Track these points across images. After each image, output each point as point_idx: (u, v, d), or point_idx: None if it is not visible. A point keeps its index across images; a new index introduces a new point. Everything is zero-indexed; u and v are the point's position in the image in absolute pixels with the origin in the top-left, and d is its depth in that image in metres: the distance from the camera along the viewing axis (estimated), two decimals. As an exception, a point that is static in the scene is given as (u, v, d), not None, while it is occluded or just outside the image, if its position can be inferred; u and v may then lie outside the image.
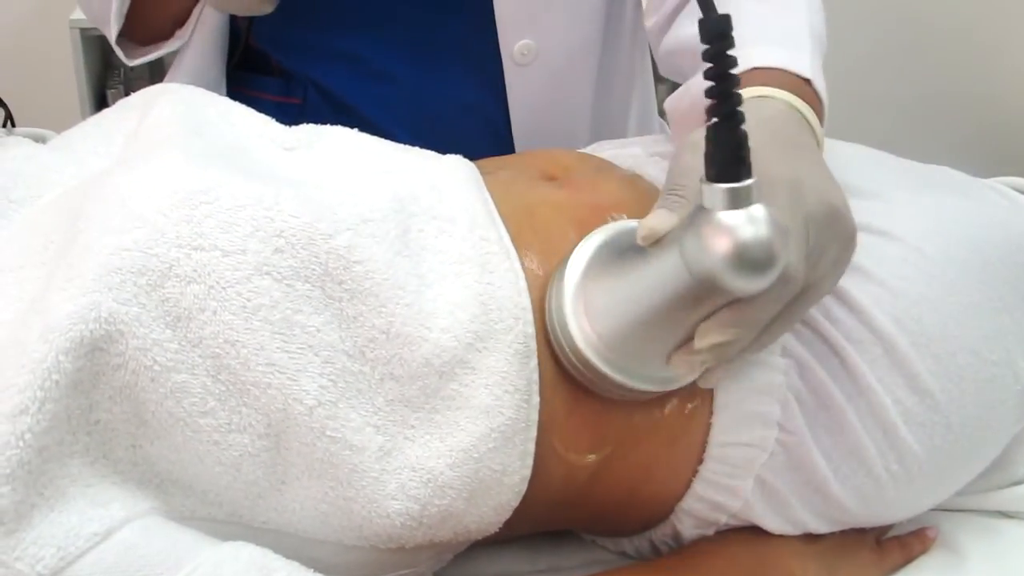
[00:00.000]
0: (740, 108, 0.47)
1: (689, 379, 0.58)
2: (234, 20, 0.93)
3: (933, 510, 0.71)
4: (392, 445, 0.56)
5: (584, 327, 0.58)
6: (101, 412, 0.52)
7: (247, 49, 0.94)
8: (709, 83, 0.47)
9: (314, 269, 0.56)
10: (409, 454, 0.57)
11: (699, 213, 0.49)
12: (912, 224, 0.68)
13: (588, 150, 0.80)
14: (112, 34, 0.87)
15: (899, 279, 0.65)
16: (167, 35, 0.90)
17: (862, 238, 0.66)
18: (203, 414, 0.53)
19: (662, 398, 0.63)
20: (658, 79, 1.07)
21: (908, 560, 0.71)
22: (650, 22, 0.83)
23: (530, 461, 0.59)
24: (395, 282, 0.58)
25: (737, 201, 0.48)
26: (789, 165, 0.56)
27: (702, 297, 0.51)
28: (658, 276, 0.53)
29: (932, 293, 0.65)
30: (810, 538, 0.67)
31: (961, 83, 1.75)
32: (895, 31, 1.77)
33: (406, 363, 0.57)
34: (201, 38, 0.90)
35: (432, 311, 0.58)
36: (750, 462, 0.63)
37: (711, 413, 0.63)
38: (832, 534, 0.68)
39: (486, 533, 0.61)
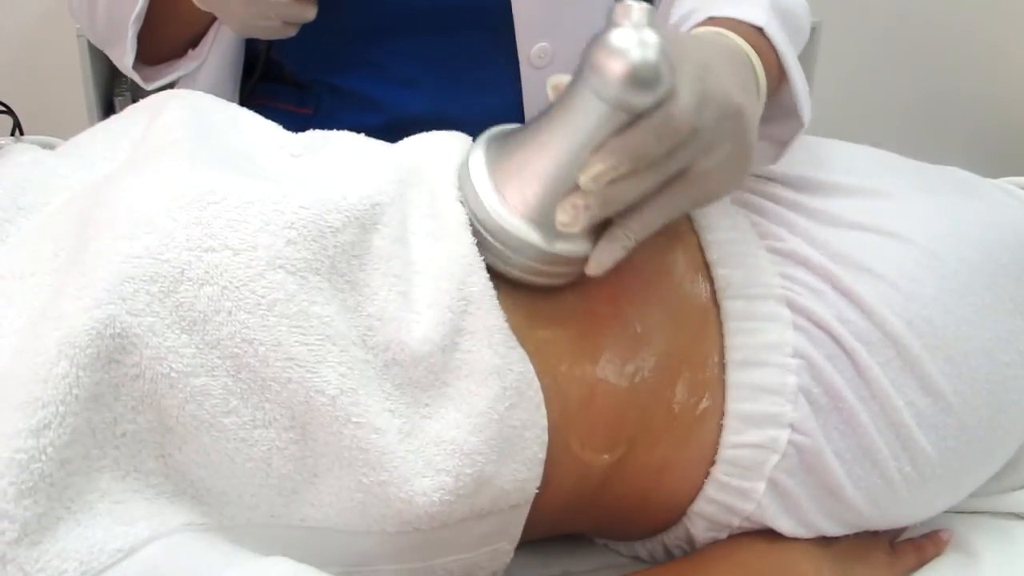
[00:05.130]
0: None
1: (579, 238, 0.59)
2: (252, 40, 0.93)
3: (947, 512, 0.71)
4: (411, 427, 0.57)
5: (498, 202, 0.60)
6: (126, 424, 0.52)
7: (266, 63, 0.94)
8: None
9: (323, 262, 0.57)
10: (429, 431, 0.57)
11: (594, 41, 0.56)
12: (923, 226, 0.68)
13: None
14: (129, 59, 0.87)
15: (911, 281, 0.65)
16: (179, 55, 0.90)
17: (873, 239, 0.66)
18: (226, 414, 0.53)
19: (671, 390, 0.63)
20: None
21: (922, 563, 0.71)
22: None
23: (544, 412, 0.59)
24: (388, 270, 0.59)
25: (635, 20, 0.55)
26: (710, 58, 0.60)
27: (597, 123, 0.56)
28: (561, 117, 0.58)
29: (944, 295, 0.65)
30: (823, 541, 0.67)
31: (967, 83, 1.75)
32: (900, 32, 1.76)
33: (405, 346, 0.57)
34: (216, 58, 0.90)
35: (420, 295, 0.59)
36: (762, 464, 0.63)
37: (722, 414, 0.64)
38: (845, 537, 0.68)
39: (526, 495, 0.61)
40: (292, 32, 0.81)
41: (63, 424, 0.49)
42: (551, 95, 0.60)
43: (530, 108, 0.92)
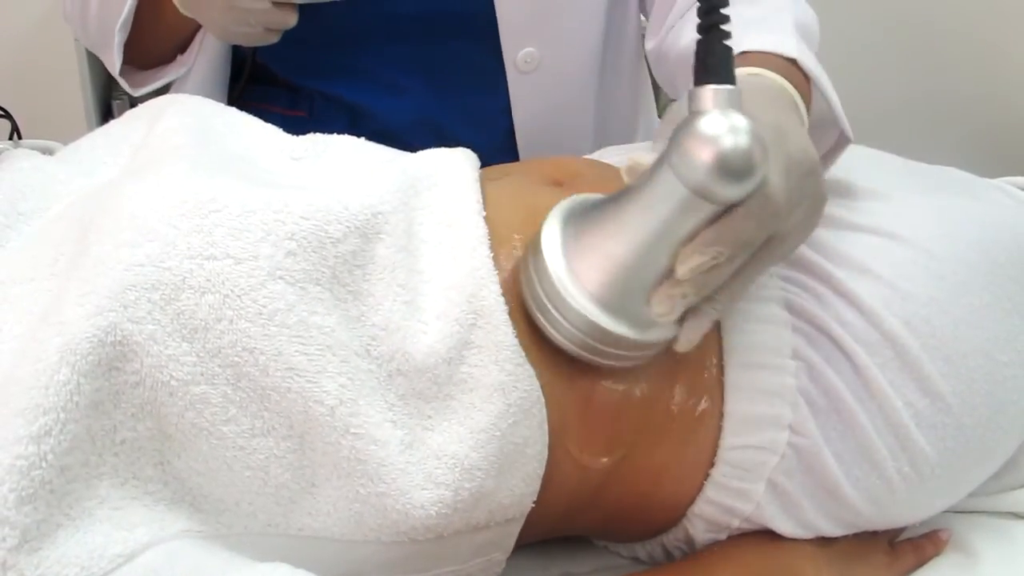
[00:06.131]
0: (725, 23, 0.52)
1: (669, 323, 0.57)
2: (237, 46, 0.93)
3: (945, 512, 0.71)
4: (412, 438, 0.57)
5: (578, 289, 0.57)
6: (126, 431, 0.52)
7: (253, 66, 0.94)
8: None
9: (323, 272, 0.57)
10: (431, 443, 0.57)
11: (682, 128, 0.52)
12: (921, 226, 0.68)
13: (594, 156, 0.80)
14: (116, 66, 0.87)
15: (909, 281, 0.65)
16: (168, 61, 0.91)
17: (871, 240, 0.66)
18: (225, 422, 0.54)
19: (670, 392, 0.63)
20: (657, 88, 1.08)
21: (921, 562, 0.71)
22: (650, 44, 0.86)
23: (547, 428, 0.60)
24: (393, 280, 0.59)
25: (721, 105, 0.52)
26: (775, 116, 0.58)
27: (687, 213, 0.53)
28: (644, 204, 0.54)
29: (942, 295, 0.65)
30: (823, 541, 0.67)
31: (965, 83, 1.74)
32: (898, 32, 1.76)
33: (410, 356, 0.57)
34: (204, 64, 0.90)
35: (428, 304, 0.59)
36: (761, 465, 0.63)
37: (722, 416, 0.64)
38: (845, 537, 0.68)
39: (523, 508, 0.61)
40: (274, 39, 0.81)
41: (64, 431, 0.49)
42: (626, 178, 0.57)
43: (518, 113, 0.92)
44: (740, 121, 0.51)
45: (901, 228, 0.67)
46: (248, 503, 0.55)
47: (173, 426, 0.53)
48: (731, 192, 0.52)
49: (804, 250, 0.66)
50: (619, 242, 0.56)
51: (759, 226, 0.54)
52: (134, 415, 0.52)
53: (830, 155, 0.71)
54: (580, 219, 0.59)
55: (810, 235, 0.60)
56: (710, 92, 0.52)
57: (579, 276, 0.57)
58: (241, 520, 0.55)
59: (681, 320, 0.58)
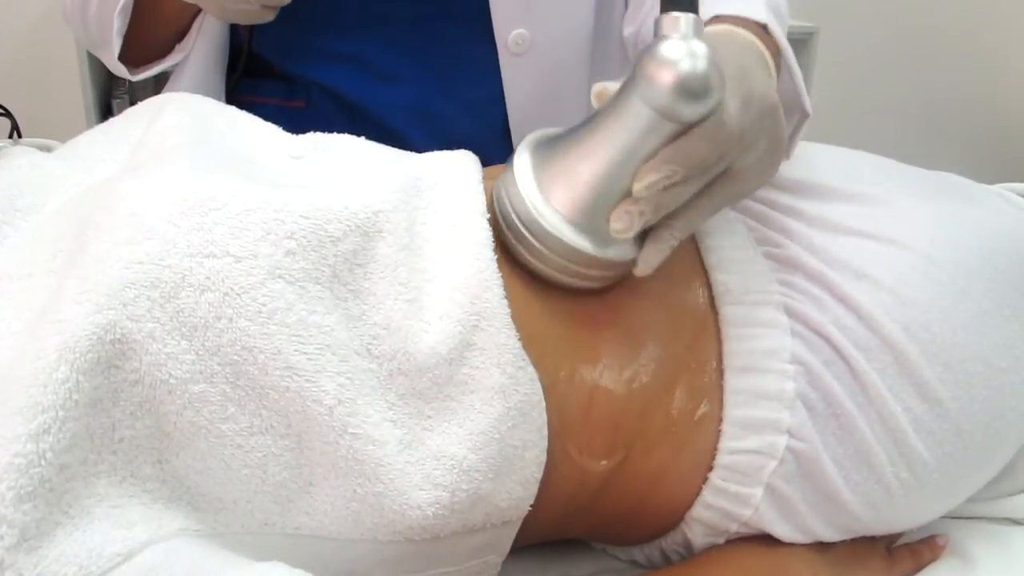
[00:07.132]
0: None
1: (628, 242, 0.60)
2: (235, 31, 0.94)
3: (943, 517, 0.71)
4: (412, 437, 0.57)
5: (549, 209, 0.61)
6: (124, 430, 0.52)
7: (248, 57, 0.95)
8: None
9: (323, 271, 0.57)
10: (430, 444, 0.57)
11: (646, 52, 0.57)
12: (921, 232, 0.68)
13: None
14: (114, 53, 0.87)
15: (908, 287, 0.65)
16: (166, 52, 0.91)
17: (870, 246, 0.67)
18: (224, 420, 0.54)
19: (670, 396, 0.63)
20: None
21: (919, 568, 0.71)
22: (628, 31, 0.87)
23: (546, 432, 0.60)
24: (395, 278, 0.59)
25: (682, 31, 0.56)
26: (740, 57, 0.62)
27: (649, 133, 0.57)
28: (611, 125, 0.58)
29: (941, 301, 0.65)
30: (821, 546, 0.67)
31: (964, 89, 1.75)
32: (897, 38, 1.77)
33: (411, 356, 0.57)
34: (201, 51, 0.91)
35: (432, 304, 0.59)
36: (760, 470, 0.63)
37: (720, 420, 0.64)
38: (843, 542, 0.68)
39: (520, 512, 0.61)
40: (270, 16, 0.82)
41: (62, 429, 0.49)
42: (595, 103, 0.60)
43: (511, 96, 0.92)
44: (699, 47, 0.56)
45: (901, 233, 0.67)
46: (246, 501, 0.55)
47: (172, 424, 0.53)
48: (691, 111, 0.56)
49: (803, 254, 0.66)
50: (588, 163, 0.59)
51: (712, 147, 0.57)
52: (133, 413, 0.52)
53: (793, 135, 0.72)
54: (548, 147, 0.63)
55: (769, 178, 0.64)
56: (672, 19, 0.56)
57: (548, 196, 0.61)
58: (239, 519, 0.55)
59: (641, 245, 0.61)
